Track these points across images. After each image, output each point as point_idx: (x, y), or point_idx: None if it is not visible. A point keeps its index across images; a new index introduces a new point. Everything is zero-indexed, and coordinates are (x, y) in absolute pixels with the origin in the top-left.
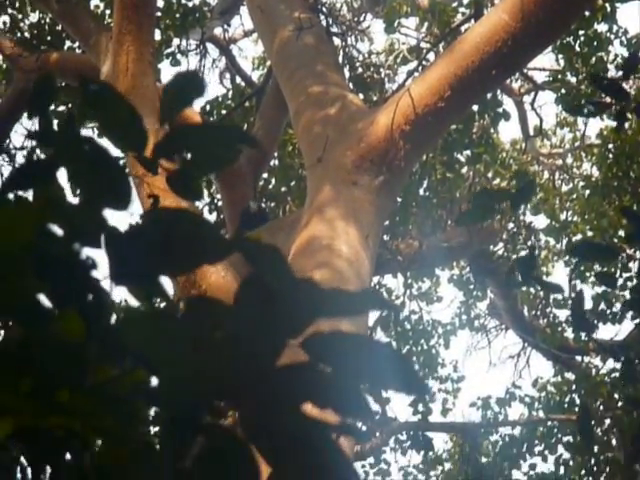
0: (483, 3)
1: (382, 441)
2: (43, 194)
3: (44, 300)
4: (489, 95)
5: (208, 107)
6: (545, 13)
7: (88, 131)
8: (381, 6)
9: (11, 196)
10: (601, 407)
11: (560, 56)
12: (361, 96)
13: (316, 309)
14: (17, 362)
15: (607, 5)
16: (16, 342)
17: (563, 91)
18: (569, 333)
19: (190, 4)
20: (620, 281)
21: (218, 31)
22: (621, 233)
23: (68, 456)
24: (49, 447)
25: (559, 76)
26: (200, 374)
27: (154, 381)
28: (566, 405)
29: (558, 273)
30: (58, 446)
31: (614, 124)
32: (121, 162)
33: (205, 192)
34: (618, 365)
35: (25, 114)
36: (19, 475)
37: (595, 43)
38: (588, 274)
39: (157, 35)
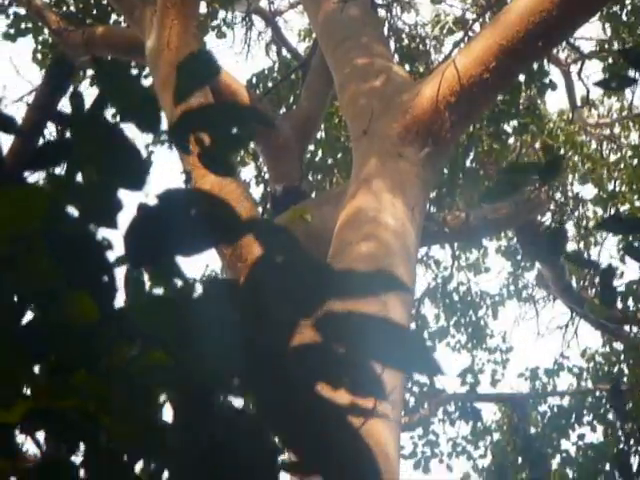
0: None
1: (431, 412)
2: (58, 175)
3: (58, 282)
4: (536, 65)
5: (254, 80)
6: None
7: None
8: None
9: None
10: None
11: (607, 25)
12: (407, 68)
13: (328, 289)
14: (31, 345)
15: None
16: (30, 324)
17: (610, 60)
18: (617, 303)
19: None
20: None
21: (264, 3)
22: None
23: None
24: (63, 428)
25: (606, 45)
26: (213, 355)
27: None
28: (614, 375)
29: (609, 243)
30: (72, 427)
31: None
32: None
33: (252, 165)
34: None
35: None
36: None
37: None
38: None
39: (203, 7)
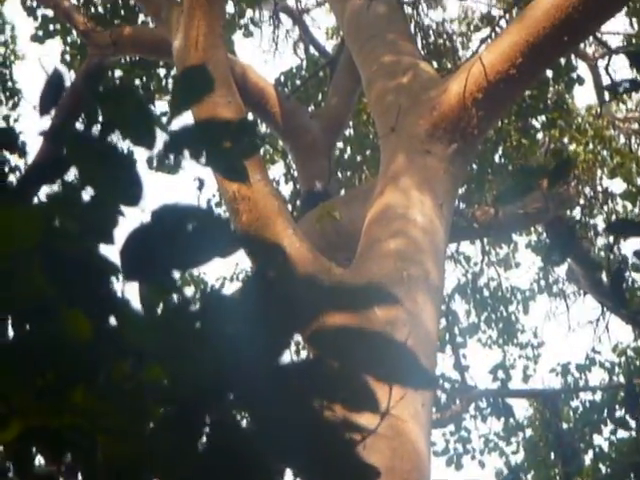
0: None
1: (462, 408)
2: (54, 192)
3: (52, 299)
4: (563, 60)
5: (282, 78)
6: None
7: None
8: None
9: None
10: None
11: (634, 19)
12: (434, 64)
13: (320, 305)
14: (26, 362)
15: None
16: (25, 341)
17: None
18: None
19: None
20: None
21: (291, 1)
22: None
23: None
24: (58, 446)
25: (633, 40)
26: (206, 370)
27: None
28: None
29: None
30: (67, 446)
31: None
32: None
33: (281, 163)
34: None
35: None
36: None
37: None
38: None
39: (230, 7)
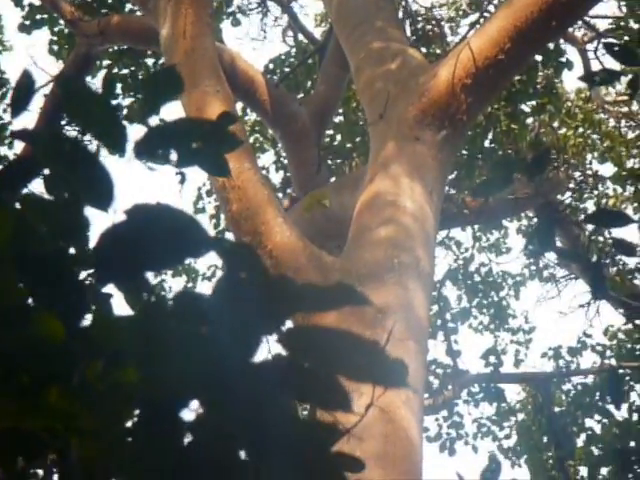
0: None
1: (455, 394)
2: (25, 193)
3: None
4: (552, 45)
5: (271, 66)
6: None
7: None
8: None
9: None
10: None
11: (622, 3)
12: (423, 50)
13: (290, 305)
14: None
15: None
16: None
17: (626, 38)
18: (639, 280)
19: None
20: None
21: None
22: None
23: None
24: (32, 448)
25: (621, 23)
26: (180, 371)
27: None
28: (638, 352)
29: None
30: (41, 447)
31: None
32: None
33: (271, 151)
34: None
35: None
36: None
37: None
38: None
39: None
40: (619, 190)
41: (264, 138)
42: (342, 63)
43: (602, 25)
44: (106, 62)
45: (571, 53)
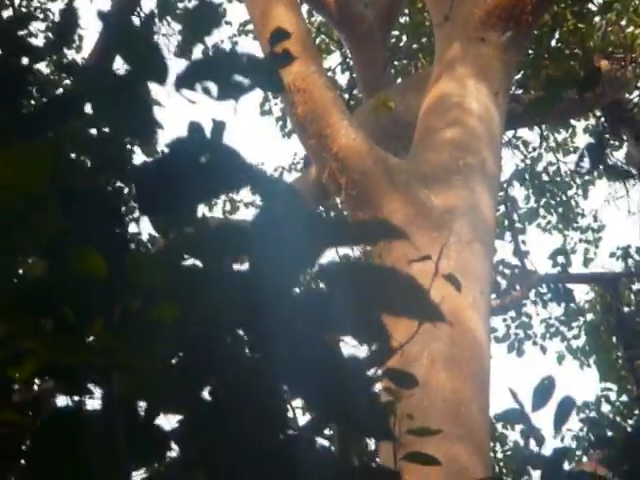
0: None
1: (523, 294)
2: (67, 127)
3: (67, 236)
4: None
5: None
6: None
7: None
8: None
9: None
10: None
11: None
12: None
13: (327, 239)
14: (39, 299)
15: None
16: (39, 279)
17: None
18: None
19: None
20: None
21: None
22: None
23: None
24: (74, 383)
25: None
26: (217, 305)
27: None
28: None
29: None
30: (83, 382)
31: None
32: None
33: (337, 52)
34: None
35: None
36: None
37: None
38: None
39: None
40: None
41: (330, 39)
42: None
43: None
44: None
45: None
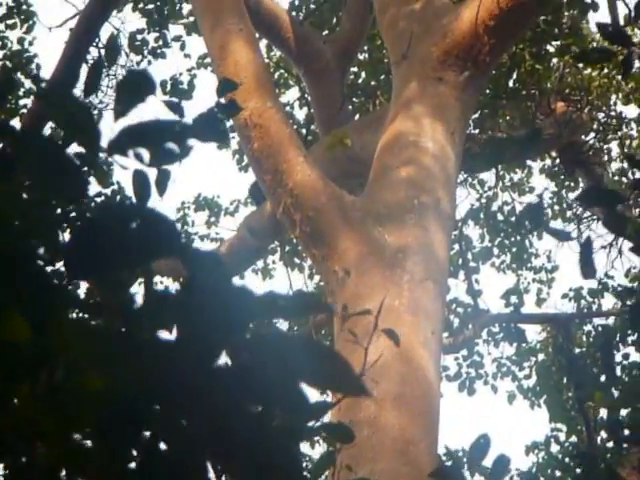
0: None
1: (475, 333)
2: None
3: None
4: None
5: (296, 2)
6: None
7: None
8: None
9: None
10: None
11: None
12: None
13: (253, 312)
14: None
15: None
16: None
17: None
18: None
19: None
20: None
21: None
22: None
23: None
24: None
25: None
26: (137, 378)
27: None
28: None
29: None
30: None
31: None
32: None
33: (295, 87)
34: None
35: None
36: None
37: None
38: None
39: None
40: None
41: (289, 74)
42: (367, 1)
43: None
44: None
45: None
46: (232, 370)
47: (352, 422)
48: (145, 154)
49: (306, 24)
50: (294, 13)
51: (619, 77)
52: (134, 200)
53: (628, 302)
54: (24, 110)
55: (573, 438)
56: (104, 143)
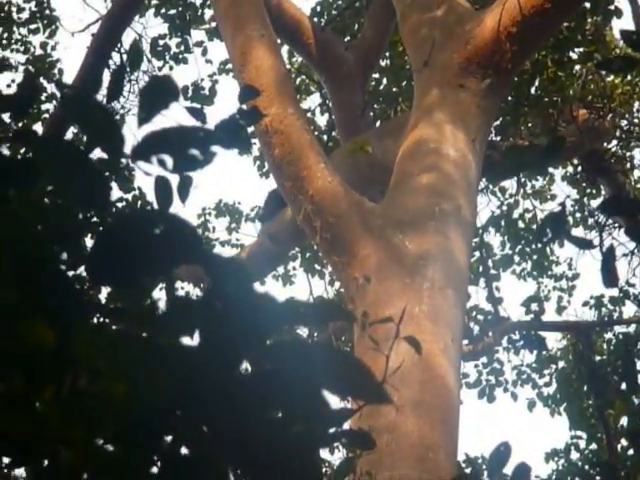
0: None
1: (495, 341)
2: (21, 195)
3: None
4: None
5: (318, 8)
6: None
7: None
8: None
9: None
10: None
11: None
12: None
13: (275, 319)
14: None
15: None
16: None
17: None
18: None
19: None
20: None
21: None
22: None
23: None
24: (20, 454)
25: None
26: (160, 384)
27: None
28: None
29: None
30: (27, 452)
31: None
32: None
33: (317, 94)
34: None
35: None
36: None
37: None
38: None
39: None
40: None
41: (310, 80)
42: (390, 6)
43: None
44: (154, 1)
45: (620, 0)
46: (253, 377)
47: (372, 428)
48: (168, 160)
49: (328, 30)
50: (316, 19)
51: None
52: (156, 206)
53: None
54: (46, 115)
55: (593, 446)
56: (127, 149)
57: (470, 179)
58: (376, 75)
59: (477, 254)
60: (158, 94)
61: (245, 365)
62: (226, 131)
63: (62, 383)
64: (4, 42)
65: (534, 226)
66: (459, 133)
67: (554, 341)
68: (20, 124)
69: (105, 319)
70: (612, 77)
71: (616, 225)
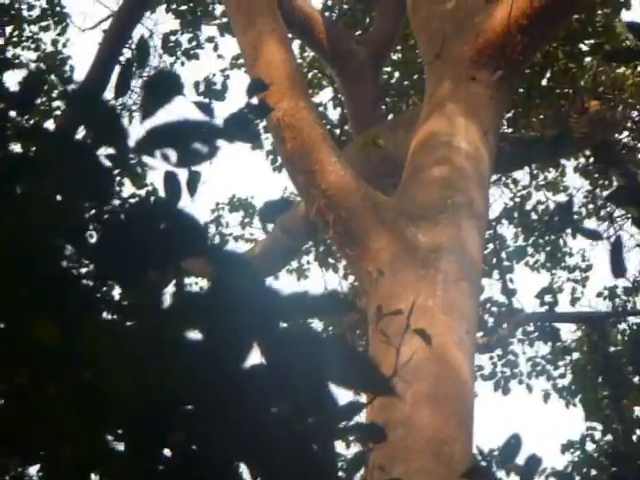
0: None
1: (509, 332)
2: (25, 191)
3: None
4: None
5: (329, 2)
6: None
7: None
8: None
9: None
10: None
11: None
12: None
13: (280, 312)
14: None
15: None
16: None
17: None
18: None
19: None
20: None
21: None
22: None
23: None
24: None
25: None
26: (165, 379)
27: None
28: None
29: None
30: (30, 448)
31: None
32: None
33: (329, 88)
34: None
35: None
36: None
37: None
38: None
39: None
40: None
41: (322, 74)
42: (400, 0)
43: None
44: None
45: None
46: (260, 369)
47: (386, 422)
48: (172, 154)
49: (339, 24)
50: (327, 13)
51: None
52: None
53: None
54: (58, 112)
55: (609, 437)
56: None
57: (482, 171)
58: (388, 68)
59: (490, 246)
60: (161, 89)
61: (253, 358)
62: (235, 125)
63: (67, 379)
64: (15, 40)
65: (547, 218)
66: (471, 125)
67: (568, 332)
68: (27, 121)
69: (114, 315)
70: (623, 68)
71: (628, 216)
